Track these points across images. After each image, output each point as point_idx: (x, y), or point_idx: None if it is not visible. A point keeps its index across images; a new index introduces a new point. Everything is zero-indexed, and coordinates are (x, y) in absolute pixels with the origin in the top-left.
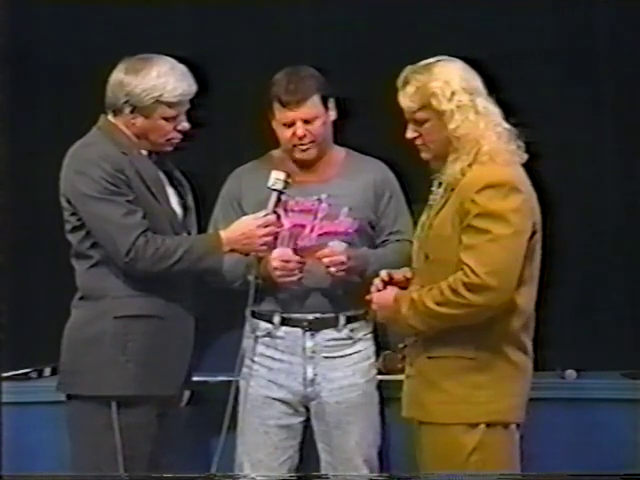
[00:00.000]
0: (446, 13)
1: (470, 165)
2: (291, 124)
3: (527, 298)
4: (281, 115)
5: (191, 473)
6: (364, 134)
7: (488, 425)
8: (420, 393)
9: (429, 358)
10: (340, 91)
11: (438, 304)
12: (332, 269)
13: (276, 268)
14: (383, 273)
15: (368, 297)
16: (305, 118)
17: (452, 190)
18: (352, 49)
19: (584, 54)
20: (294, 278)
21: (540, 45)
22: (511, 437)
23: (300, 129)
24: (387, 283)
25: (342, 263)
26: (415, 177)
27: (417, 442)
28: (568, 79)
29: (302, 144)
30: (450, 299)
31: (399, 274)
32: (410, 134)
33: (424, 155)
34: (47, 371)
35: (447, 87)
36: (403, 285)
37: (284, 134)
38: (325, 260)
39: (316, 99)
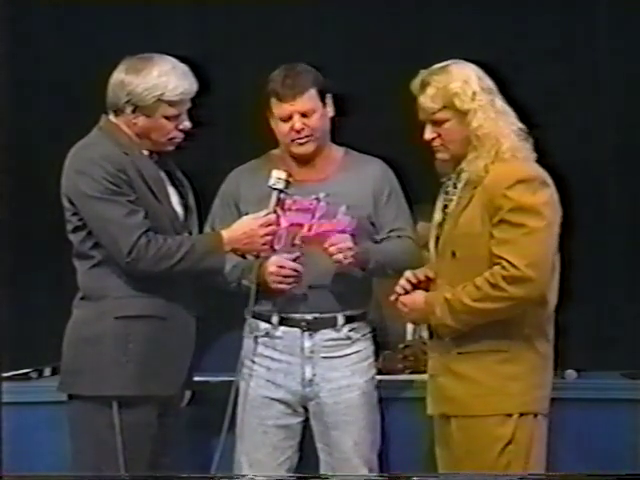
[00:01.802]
0: (446, 13)
1: (492, 162)
2: (288, 118)
3: (553, 290)
4: (278, 109)
5: (191, 473)
6: (363, 133)
7: (521, 416)
8: (450, 388)
9: (459, 354)
10: (339, 89)
11: (476, 300)
12: (340, 256)
13: (272, 273)
14: (409, 274)
15: (393, 297)
16: (302, 111)
17: (474, 188)
18: (352, 48)
19: (586, 55)
20: (286, 286)
21: (541, 46)
22: (540, 428)
23: (298, 122)
24: (412, 284)
25: (349, 249)
26: (415, 176)
27: (444, 438)
28: (570, 79)
29: (300, 138)
30: (490, 294)
31: (421, 274)
32: (429, 135)
33: (441, 156)
34: (47, 371)
35: (468, 87)
36: (424, 285)
37: (282, 129)
38: (332, 249)
39: (313, 92)
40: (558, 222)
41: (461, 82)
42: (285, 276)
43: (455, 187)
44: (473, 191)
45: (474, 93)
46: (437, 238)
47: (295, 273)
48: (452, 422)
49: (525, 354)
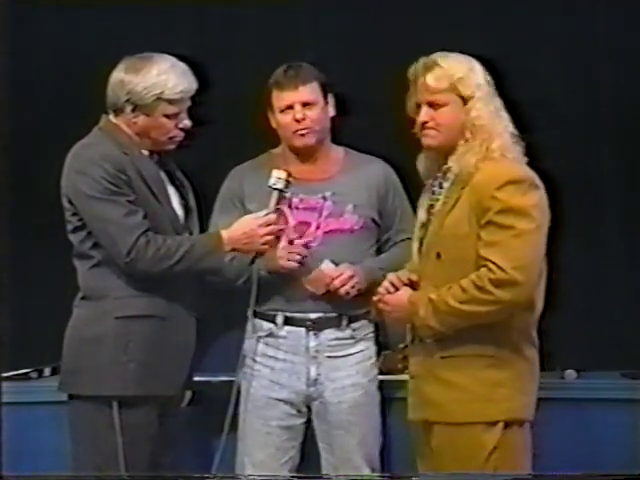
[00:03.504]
0: (446, 12)
1: (482, 160)
2: (289, 107)
3: (540, 294)
4: (279, 100)
5: (192, 473)
6: (363, 133)
7: (506, 423)
8: (433, 394)
9: (442, 358)
10: (339, 89)
11: (462, 302)
12: (346, 287)
13: (283, 248)
14: (392, 277)
15: (376, 298)
16: (304, 101)
17: (462, 189)
18: (352, 48)
19: (584, 53)
20: (294, 264)
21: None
22: (526, 435)
23: (299, 112)
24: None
25: (351, 277)
26: (415, 176)
27: (424, 444)
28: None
29: (301, 129)
30: (475, 296)
31: (404, 277)
32: (424, 117)
33: (430, 141)
34: (47, 371)
35: (473, 75)
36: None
37: (282, 121)
38: (336, 282)
39: (315, 85)
40: (547, 225)
41: (467, 69)
42: (296, 253)
43: (441, 187)
44: (461, 191)
45: (478, 82)
46: (421, 239)
47: (303, 252)
48: (434, 429)
49: (511, 359)
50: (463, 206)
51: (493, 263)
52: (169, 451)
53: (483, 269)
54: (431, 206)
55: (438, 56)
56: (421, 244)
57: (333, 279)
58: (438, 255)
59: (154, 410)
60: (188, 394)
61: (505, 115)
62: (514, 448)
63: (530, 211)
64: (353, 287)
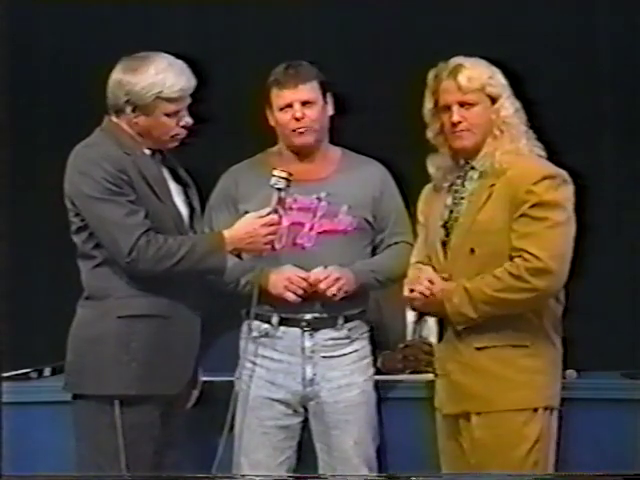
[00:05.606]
0: (446, 13)
1: (509, 155)
2: (289, 106)
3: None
4: (279, 99)
5: (192, 473)
6: (362, 133)
7: (545, 410)
8: (472, 385)
9: (478, 349)
10: (338, 89)
11: (497, 290)
12: (333, 290)
13: (288, 279)
14: (431, 275)
15: (408, 291)
16: (303, 100)
17: (492, 185)
18: (352, 48)
19: (586, 54)
20: (294, 297)
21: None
22: (556, 421)
23: (298, 111)
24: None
25: (337, 279)
26: (413, 176)
27: (461, 436)
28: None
29: (300, 127)
30: (511, 284)
31: (436, 277)
32: (457, 117)
33: (466, 142)
34: (47, 371)
35: (498, 76)
36: None
37: (282, 119)
38: (321, 286)
39: (315, 84)
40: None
41: (492, 71)
42: (301, 287)
43: (463, 185)
44: (491, 188)
45: (503, 83)
46: (443, 238)
47: (311, 289)
48: (473, 419)
49: (545, 348)
50: (496, 202)
51: (528, 252)
52: (171, 451)
53: (518, 259)
54: (454, 204)
55: (461, 59)
56: (443, 243)
57: (320, 281)
58: (472, 251)
59: (157, 410)
60: (194, 395)
61: (523, 115)
62: (552, 434)
63: (563, 203)
64: (340, 289)
